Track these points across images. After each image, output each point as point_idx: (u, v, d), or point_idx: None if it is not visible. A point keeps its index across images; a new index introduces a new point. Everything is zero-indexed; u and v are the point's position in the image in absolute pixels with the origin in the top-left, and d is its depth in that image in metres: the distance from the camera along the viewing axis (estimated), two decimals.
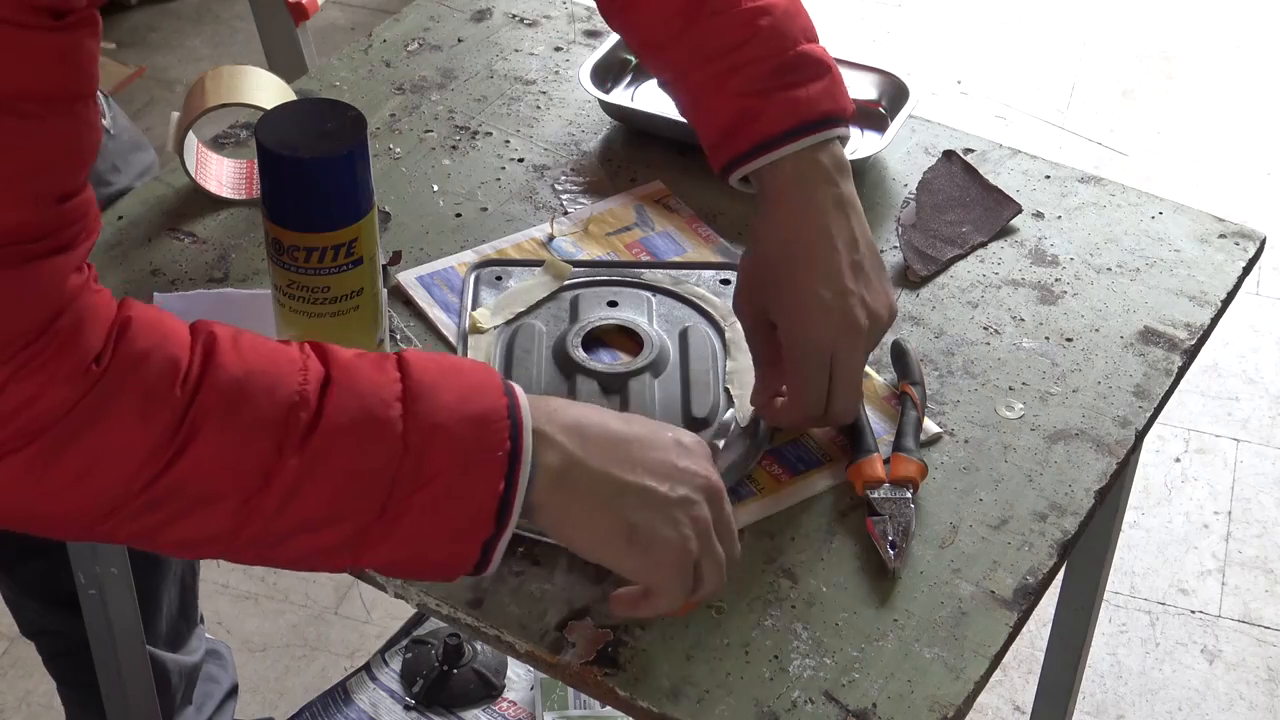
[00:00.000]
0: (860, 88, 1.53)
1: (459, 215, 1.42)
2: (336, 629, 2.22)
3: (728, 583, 1.07)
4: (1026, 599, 1.13)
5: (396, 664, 1.88)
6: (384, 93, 1.55)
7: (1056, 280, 1.38)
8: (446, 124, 1.52)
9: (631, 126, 1.52)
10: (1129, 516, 2.17)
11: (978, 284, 1.38)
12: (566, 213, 1.43)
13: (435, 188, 1.45)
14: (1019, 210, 1.44)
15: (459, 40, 1.62)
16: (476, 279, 1.34)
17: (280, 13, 2.66)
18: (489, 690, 1.84)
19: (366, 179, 1.16)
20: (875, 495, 1.17)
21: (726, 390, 1.24)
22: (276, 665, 2.18)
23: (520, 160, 1.48)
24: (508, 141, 1.50)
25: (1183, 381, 1.34)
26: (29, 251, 0.89)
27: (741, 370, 1.25)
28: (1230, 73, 3.36)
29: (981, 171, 1.47)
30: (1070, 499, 1.20)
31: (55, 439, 0.91)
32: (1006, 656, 1.13)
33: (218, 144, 1.49)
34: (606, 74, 1.53)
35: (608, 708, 1.10)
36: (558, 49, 1.62)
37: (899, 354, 1.27)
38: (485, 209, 1.43)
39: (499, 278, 1.34)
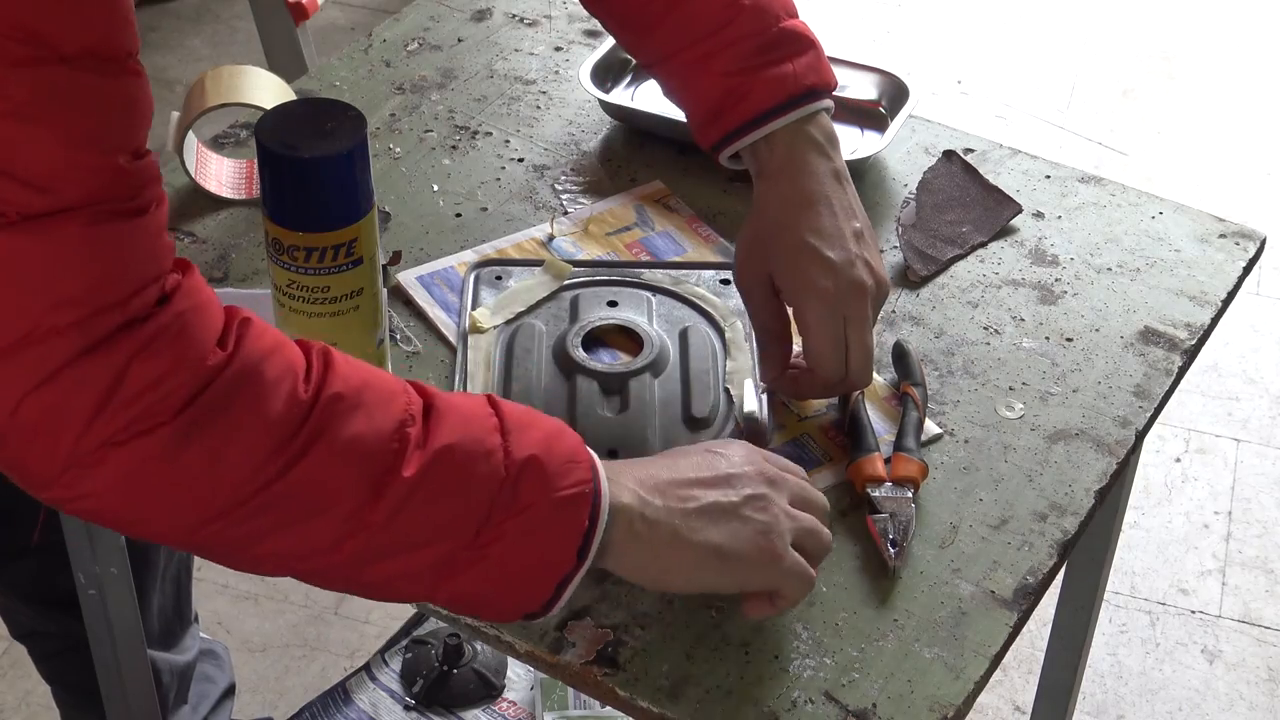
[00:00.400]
0: (860, 88, 1.53)
1: (459, 215, 1.42)
2: (336, 629, 2.22)
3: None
4: (1026, 599, 1.13)
5: (396, 664, 1.88)
6: (384, 93, 1.55)
7: (1056, 280, 1.38)
8: (446, 124, 1.52)
9: (631, 126, 1.52)
10: (1129, 516, 2.17)
11: (978, 284, 1.38)
12: (566, 213, 1.43)
13: (435, 187, 1.45)
14: (1019, 210, 1.44)
15: (459, 40, 1.62)
16: (476, 279, 1.34)
17: (280, 13, 2.66)
18: (489, 690, 1.84)
19: (366, 179, 1.16)
20: (876, 494, 1.17)
21: (726, 390, 1.24)
22: (276, 665, 2.18)
23: (520, 160, 1.48)
24: (508, 141, 1.50)
25: (1183, 381, 1.34)
26: (123, 209, 0.88)
27: (741, 370, 1.25)
28: (1230, 73, 3.36)
29: (981, 171, 1.46)
30: (1070, 499, 1.20)
31: (187, 422, 0.89)
32: (1006, 656, 1.13)
33: (218, 144, 1.49)
34: (606, 74, 1.53)
35: (608, 708, 1.10)
36: (558, 49, 1.62)
37: (900, 354, 1.27)
38: (485, 209, 1.43)
39: (499, 277, 1.34)
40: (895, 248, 1.40)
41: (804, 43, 1.23)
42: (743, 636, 1.09)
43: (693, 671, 1.07)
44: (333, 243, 1.15)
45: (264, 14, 2.70)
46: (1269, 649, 2.24)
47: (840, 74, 1.53)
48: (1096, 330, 1.33)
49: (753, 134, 1.21)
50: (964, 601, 1.12)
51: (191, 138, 1.43)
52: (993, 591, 1.13)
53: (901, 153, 1.50)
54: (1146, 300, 1.36)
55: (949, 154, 1.48)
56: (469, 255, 1.37)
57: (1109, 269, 1.39)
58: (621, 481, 1.01)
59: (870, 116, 1.52)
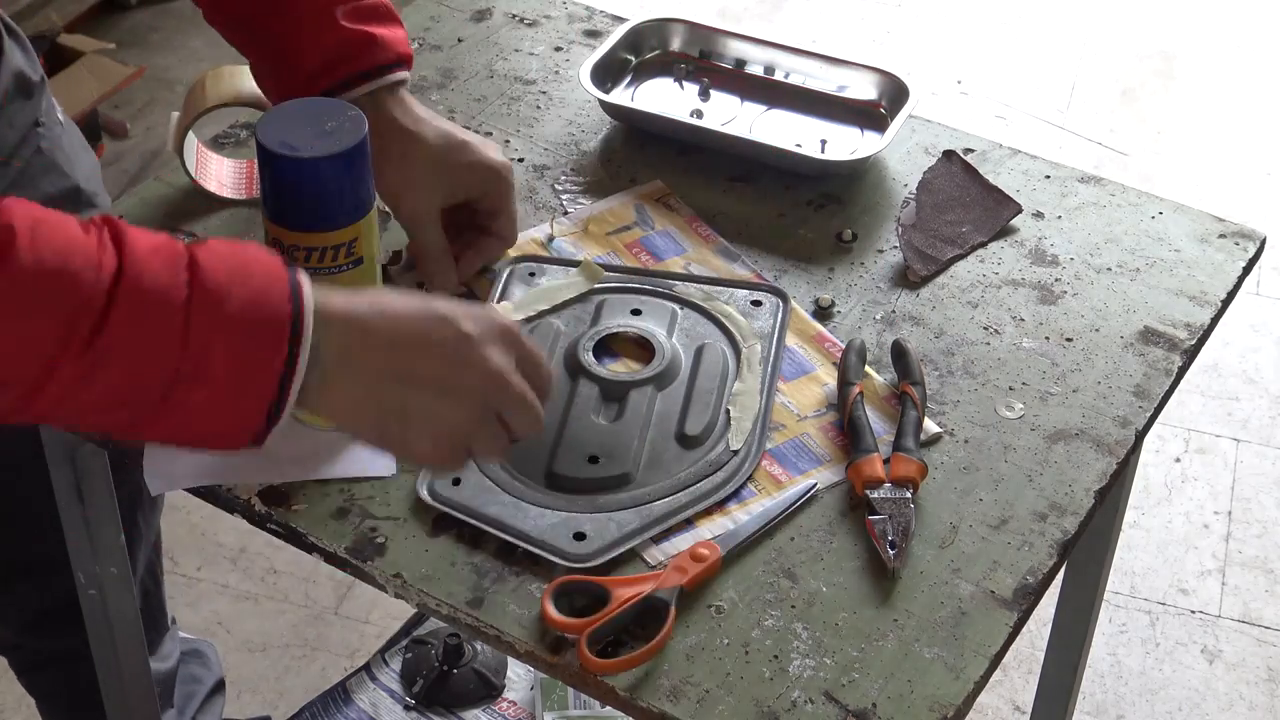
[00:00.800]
0: (860, 88, 1.53)
1: None
2: (336, 629, 2.22)
3: (728, 582, 1.07)
4: (1026, 599, 1.13)
5: (396, 664, 1.88)
6: None
7: (1056, 280, 1.38)
8: None
9: (631, 126, 1.52)
10: (1129, 516, 2.17)
11: (978, 284, 1.38)
12: (566, 212, 1.43)
13: None
14: (1019, 210, 1.44)
15: (459, 40, 1.62)
16: (511, 273, 1.34)
17: None
18: (489, 690, 1.84)
19: (366, 179, 1.16)
20: (875, 495, 1.17)
21: (727, 411, 1.24)
22: (276, 665, 2.18)
23: (520, 160, 1.48)
24: (508, 141, 1.50)
25: (1183, 381, 1.34)
26: None
27: (748, 392, 1.25)
28: (1230, 73, 3.36)
29: (981, 171, 1.47)
30: (1070, 499, 1.20)
31: None
32: (1006, 656, 1.13)
33: (218, 144, 1.49)
34: (606, 74, 1.53)
35: (608, 708, 1.10)
36: (558, 49, 1.62)
37: (899, 354, 1.27)
38: None
39: (532, 274, 1.35)
40: (895, 247, 1.40)
41: (395, 17, 1.32)
42: (743, 636, 1.09)
43: (693, 671, 1.07)
44: (333, 243, 1.15)
45: None
46: (1269, 649, 2.24)
47: (840, 74, 1.54)
48: (1096, 330, 1.34)
49: (386, 77, 1.29)
50: (964, 601, 1.12)
51: (191, 138, 1.43)
52: (993, 591, 1.13)
53: (901, 153, 1.50)
54: (1146, 300, 1.36)
55: (949, 154, 1.48)
56: None
57: (1109, 269, 1.39)
58: (329, 330, 1.01)
59: (870, 116, 1.52)
